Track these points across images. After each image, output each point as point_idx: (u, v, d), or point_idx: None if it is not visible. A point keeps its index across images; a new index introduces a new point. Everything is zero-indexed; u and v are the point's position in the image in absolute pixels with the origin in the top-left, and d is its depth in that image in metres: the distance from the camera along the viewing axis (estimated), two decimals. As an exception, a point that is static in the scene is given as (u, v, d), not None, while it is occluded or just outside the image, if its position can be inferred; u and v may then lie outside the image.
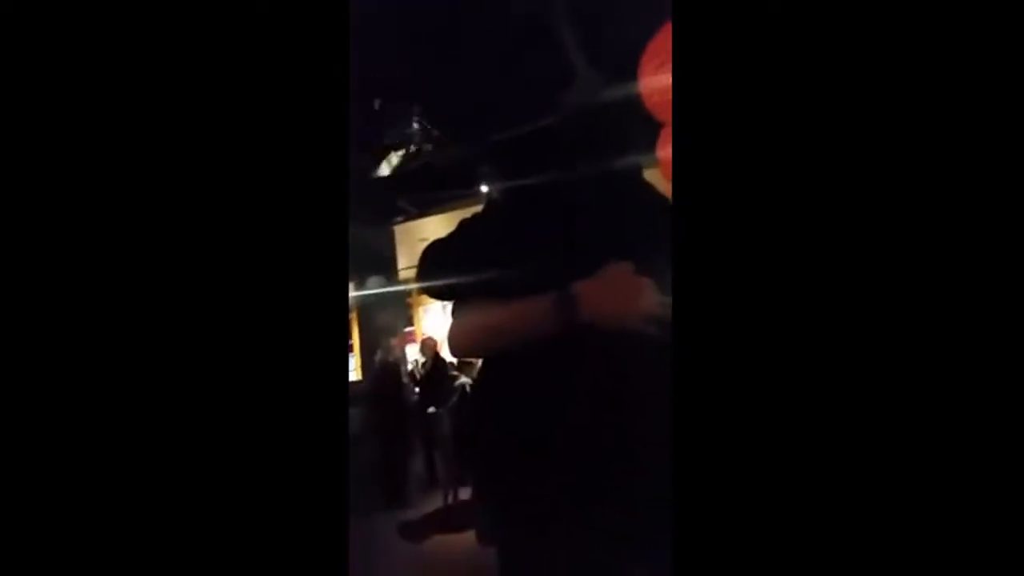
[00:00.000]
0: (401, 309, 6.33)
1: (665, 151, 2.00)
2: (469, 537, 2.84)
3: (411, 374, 4.87)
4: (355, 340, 6.68)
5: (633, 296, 0.65)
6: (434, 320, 7.09)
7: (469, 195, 4.41)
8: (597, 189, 0.76)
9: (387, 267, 5.42)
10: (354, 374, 6.48)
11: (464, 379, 3.90)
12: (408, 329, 6.97)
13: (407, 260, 6.05)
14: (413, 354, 6.42)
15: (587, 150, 0.79)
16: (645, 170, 0.83)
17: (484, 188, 4.29)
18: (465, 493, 3.42)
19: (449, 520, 3.17)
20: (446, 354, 4.05)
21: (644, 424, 0.63)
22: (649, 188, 0.82)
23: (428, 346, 4.24)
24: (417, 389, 4.49)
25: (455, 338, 0.77)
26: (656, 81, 1.56)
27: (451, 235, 0.84)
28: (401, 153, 2.94)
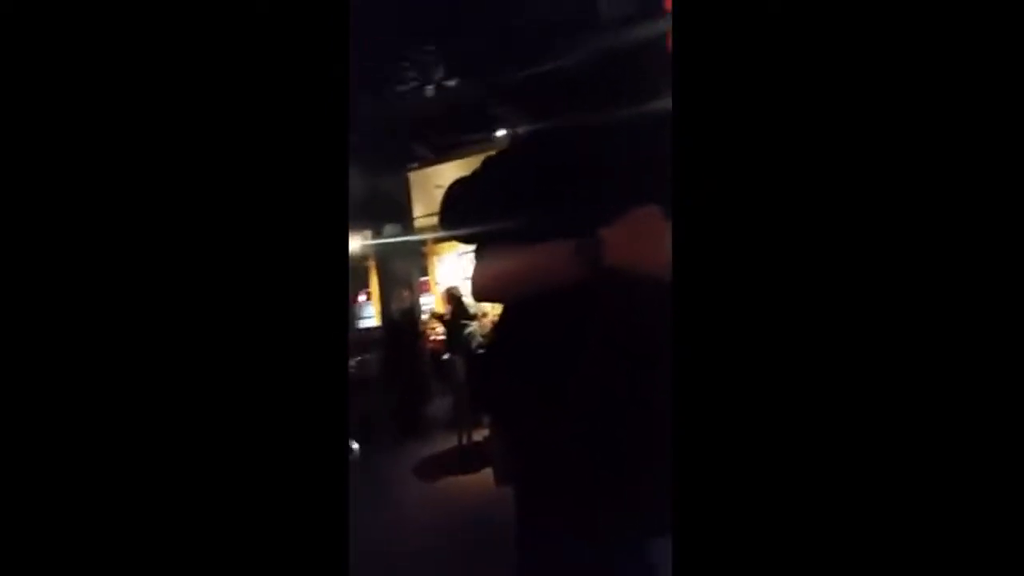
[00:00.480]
0: (417, 258, 6.34)
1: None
2: (480, 478, 2.96)
3: (429, 321, 4.95)
4: (373, 288, 6.78)
5: (660, 242, 0.61)
6: (449, 269, 7.13)
7: (488, 139, 4.26)
8: (627, 131, 0.71)
9: (402, 214, 5.37)
10: (372, 320, 6.63)
11: (477, 326, 3.95)
12: (423, 278, 7.03)
13: (423, 207, 5.96)
14: (429, 302, 6.51)
15: (614, 92, 0.73)
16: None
17: (503, 132, 4.14)
18: (478, 436, 3.54)
19: (462, 461, 3.30)
20: (467, 303, 4.08)
21: (665, 372, 0.61)
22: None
23: (452, 295, 4.27)
24: (435, 336, 4.57)
25: (478, 282, 0.74)
26: None
27: (474, 174, 0.80)
28: (414, 89, 2.82)
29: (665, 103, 0.79)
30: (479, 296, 0.79)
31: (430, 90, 2.80)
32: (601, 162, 0.69)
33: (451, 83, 2.78)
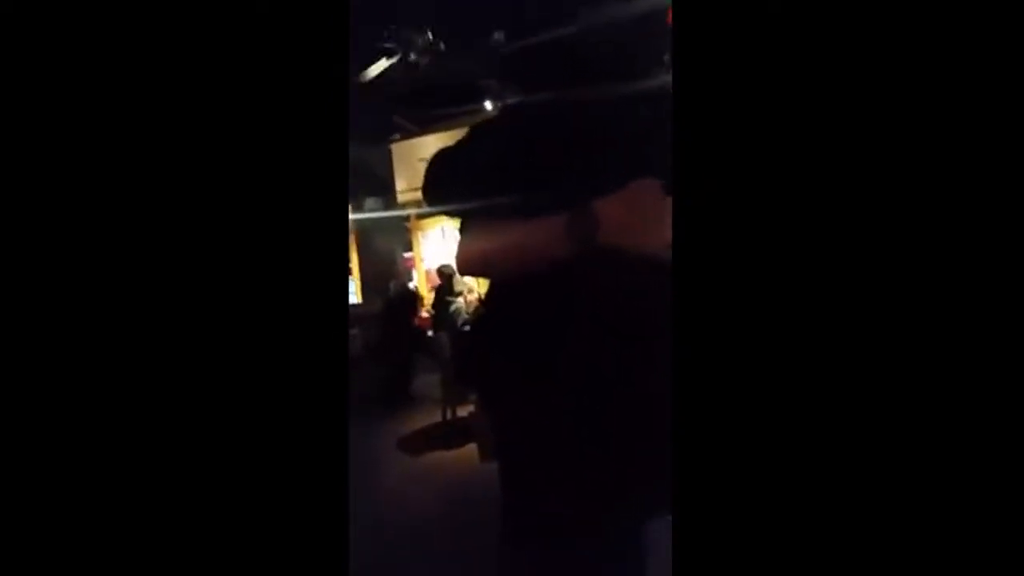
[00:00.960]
0: (400, 233, 6.24)
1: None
2: (464, 453, 2.99)
3: (413, 298, 4.91)
4: (354, 264, 6.68)
5: (657, 218, 0.59)
6: (434, 245, 7.04)
7: (474, 111, 4.14)
8: (623, 101, 0.68)
9: (384, 188, 5.25)
10: (353, 297, 6.55)
11: (463, 302, 3.93)
12: (407, 254, 6.93)
13: (406, 181, 5.82)
14: (413, 279, 6.45)
15: (610, 63, 0.70)
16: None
17: (489, 105, 4.02)
18: (463, 412, 3.57)
19: (446, 437, 3.32)
20: (455, 280, 4.05)
21: (657, 350, 0.60)
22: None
23: (443, 272, 4.24)
24: (422, 313, 4.54)
25: (463, 256, 0.71)
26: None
27: (460, 145, 0.77)
28: (395, 61, 2.71)
29: (664, 74, 0.76)
30: (464, 271, 0.76)
31: (413, 59, 2.70)
32: (595, 133, 0.66)
33: (434, 55, 2.68)
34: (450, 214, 0.79)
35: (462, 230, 0.72)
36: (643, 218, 0.59)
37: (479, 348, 0.75)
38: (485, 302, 0.76)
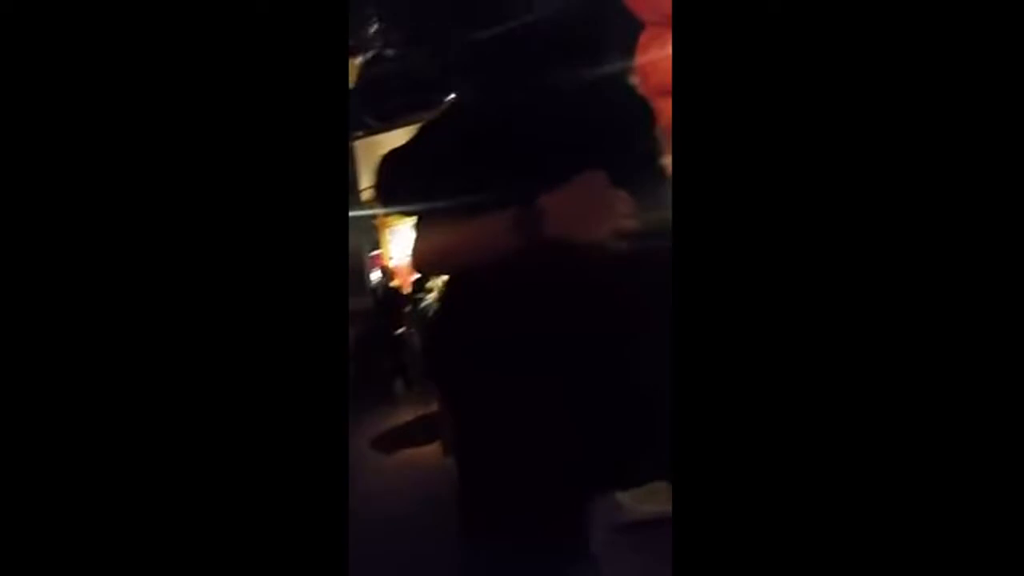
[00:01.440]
0: (367, 231, 6.15)
1: (645, 55, 1.88)
2: (430, 450, 3.00)
3: (375, 293, 4.86)
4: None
5: (604, 209, 0.62)
6: (403, 242, 6.96)
7: (439, 105, 4.14)
8: (573, 94, 0.70)
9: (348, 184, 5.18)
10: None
11: (433, 298, 3.91)
12: (374, 252, 6.83)
13: (370, 178, 5.77)
14: (380, 277, 6.36)
15: (563, 53, 0.71)
16: (625, 75, 0.76)
17: (451, 97, 4.02)
18: (432, 408, 3.56)
19: (414, 434, 3.31)
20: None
21: (610, 339, 0.62)
22: (630, 93, 0.76)
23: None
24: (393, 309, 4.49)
25: (418, 255, 0.73)
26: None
27: (411, 141, 0.77)
28: (358, 60, 2.68)
29: (619, 64, 0.78)
30: (420, 269, 0.77)
31: (374, 55, 2.67)
32: (541, 128, 0.68)
33: (396, 49, 2.65)
34: (406, 213, 0.80)
35: (416, 229, 0.73)
36: (588, 210, 0.62)
37: (437, 343, 0.76)
38: (442, 298, 0.78)
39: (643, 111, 0.75)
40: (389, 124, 4.60)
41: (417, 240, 0.72)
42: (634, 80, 1.11)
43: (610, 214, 0.61)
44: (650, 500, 0.53)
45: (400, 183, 0.75)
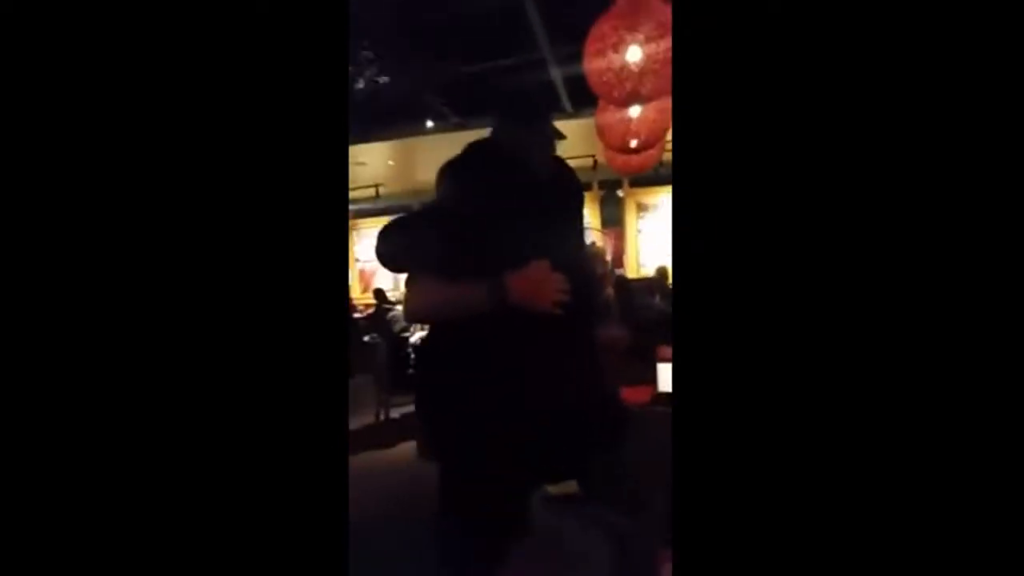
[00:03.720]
0: (336, 232, 6.24)
1: (602, 116, 2.20)
2: (397, 452, 3.18)
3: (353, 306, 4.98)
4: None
5: (546, 286, 0.88)
6: (368, 247, 7.07)
7: (414, 127, 4.39)
8: (528, 196, 0.95)
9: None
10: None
11: (400, 311, 4.11)
12: (342, 253, 6.92)
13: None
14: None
15: (522, 162, 0.95)
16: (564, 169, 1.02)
17: (430, 123, 4.28)
18: (395, 414, 3.75)
19: (383, 436, 3.49)
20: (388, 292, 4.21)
21: (550, 370, 0.89)
22: (564, 179, 1.01)
23: (379, 291, 4.45)
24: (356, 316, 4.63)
25: (410, 309, 0.98)
26: (598, 62, 1.71)
27: (404, 218, 1.01)
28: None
29: (548, 168, 1.03)
30: (411, 319, 1.01)
31: (361, 77, 2.87)
32: (502, 218, 0.93)
33: (382, 75, 2.87)
34: (396, 270, 1.03)
35: (407, 284, 0.97)
36: (536, 287, 0.88)
37: (424, 370, 1.00)
38: (426, 338, 1.02)
39: (573, 195, 1.02)
40: (365, 138, 4.79)
41: (409, 295, 0.97)
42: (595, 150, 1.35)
43: (550, 291, 0.88)
44: (566, 488, 0.76)
45: (397, 248, 0.98)
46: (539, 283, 0.88)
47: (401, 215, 1.00)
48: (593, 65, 1.72)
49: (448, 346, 0.94)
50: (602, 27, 1.68)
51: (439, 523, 0.92)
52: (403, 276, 0.99)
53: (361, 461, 3.24)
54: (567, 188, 1.02)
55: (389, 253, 0.97)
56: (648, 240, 5.93)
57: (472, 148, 0.99)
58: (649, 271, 5.61)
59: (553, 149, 0.98)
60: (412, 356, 3.62)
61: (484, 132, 1.02)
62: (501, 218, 0.90)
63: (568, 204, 1.02)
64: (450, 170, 0.97)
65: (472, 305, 0.89)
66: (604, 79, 1.70)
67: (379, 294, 4.48)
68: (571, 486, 0.60)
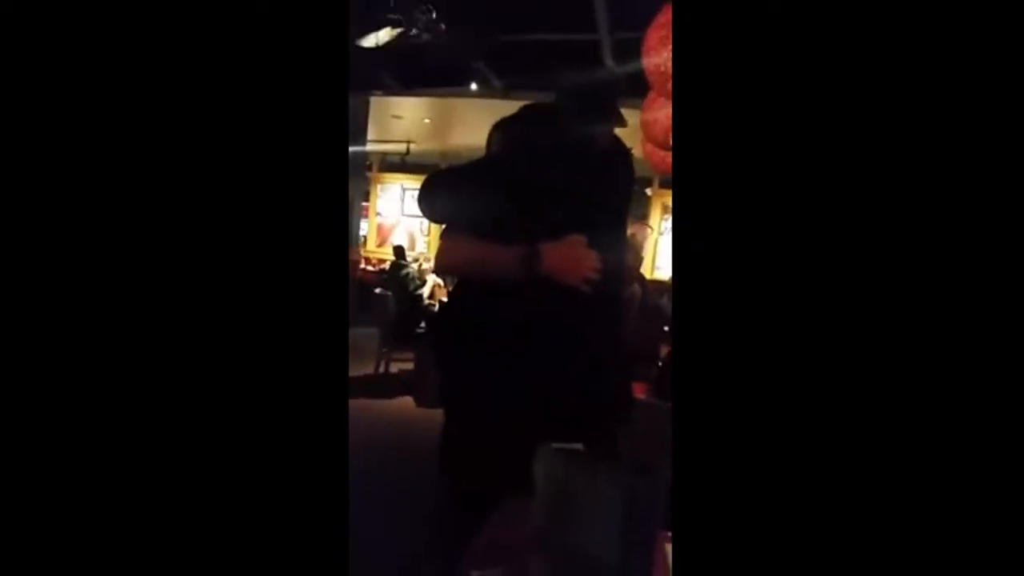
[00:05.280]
0: (360, 183, 6.26)
1: (649, 112, 2.17)
2: (399, 402, 3.27)
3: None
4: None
5: (580, 262, 0.90)
6: (389, 202, 7.10)
7: (455, 89, 4.36)
8: (578, 162, 0.95)
9: (356, 135, 5.29)
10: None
11: (415, 268, 4.16)
12: (364, 203, 6.96)
13: (376, 132, 5.90)
14: (363, 229, 6.46)
15: (581, 123, 0.93)
16: (623, 131, 0.99)
17: (474, 86, 4.23)
18: (394, 368, 3.83)
19: (384, 387, 3.59)
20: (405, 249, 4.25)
21: (569, 336, 0.91)
22: (622, 166, 1.01)
23: (397, 247, 4.56)
24: (368, 268, 4.69)
25: (441, 257, 0.99)
26: (657, 54, 1.69)
27: (454, 171, 1.03)
28: (397, 32, 2.86)
29: (609, 144, 1.03)
30: (440, 271, 1.03)
31: (414, 34, 2.85)
32: (550, 186, 0.94)
33: (434, 34, 2.85)
34: (436, 220, 1.04)
35: (442, 236, 0.99)
36: (569, 261, 0.90)
37: (445, 326, 1.03)
38: (451, 294, 1.04)
39: (627, 182, 1.02)
40: (406, 91, 4.76)
41: (441, 248, 0.98)
42: (634, 144, 1.33)
43: (582, 267, 0.89)
44: (571, 448, 0.76)
45: (440, 199, 1.00)
46: (573, 258, 0.89)
47: (450, 166, 1.00)
48: (652, 54, 1.71)
49: (475, 299, 0.96)
50: (667, 15, 1.66)
51: (440, 470, 0.95)
52: (419, 235, 1.00)
53: (358, 407, 3.34)
54: (620, 171, 1.02)
55: (431, 202, 0.99)
56: (668, 242, 5.91)
57: (530, 110, 0.97)
58: (663, 273, 5.60)
59: (613, 130, 0.98)
60: (424, 313, 3.66)
61: (528, 102, 1.01)
62: (548, 185, 0.90)
63: (617, 187, 1.01)
64: (505, 128, 0.96)
65: (504, 267, 0.90)
66: (662, 70, 1.69)
67: (399, 251, 4.53)
68: (576, 447, 0.62)
